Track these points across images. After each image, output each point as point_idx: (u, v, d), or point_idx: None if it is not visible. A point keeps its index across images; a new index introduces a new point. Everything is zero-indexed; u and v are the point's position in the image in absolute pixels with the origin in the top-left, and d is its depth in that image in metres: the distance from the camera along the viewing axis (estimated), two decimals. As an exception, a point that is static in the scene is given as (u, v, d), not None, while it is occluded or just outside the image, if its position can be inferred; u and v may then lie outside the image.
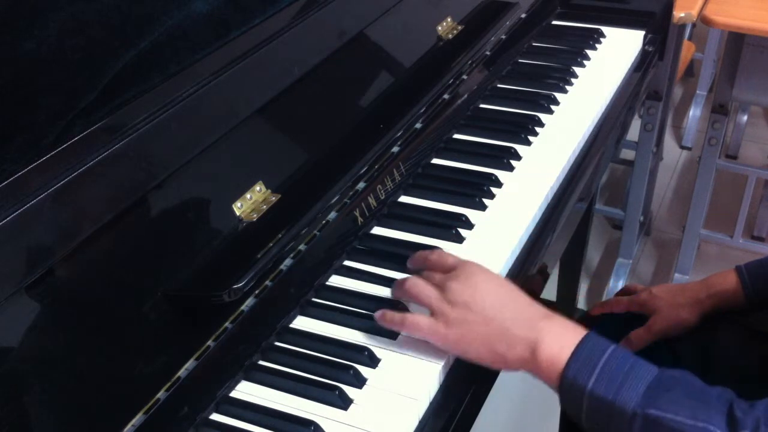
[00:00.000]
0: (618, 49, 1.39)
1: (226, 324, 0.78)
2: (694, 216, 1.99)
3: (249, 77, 0.88)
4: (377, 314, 0.81)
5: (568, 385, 0.72)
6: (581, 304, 2.08)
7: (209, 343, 0.76)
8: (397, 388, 0.77)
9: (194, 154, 0.80)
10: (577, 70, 1.31)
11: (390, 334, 0.83)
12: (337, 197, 0.90)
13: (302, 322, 0.86)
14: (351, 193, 0.94)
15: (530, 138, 1.14)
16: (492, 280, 0.80)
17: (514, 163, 1.09)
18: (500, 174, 1.06)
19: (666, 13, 1.49)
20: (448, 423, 0.78)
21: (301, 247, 0.86)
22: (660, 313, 1.05)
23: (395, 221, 0.99)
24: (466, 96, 1.19)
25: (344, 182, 0.91)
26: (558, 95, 1.24)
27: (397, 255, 0.94)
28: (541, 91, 1.24)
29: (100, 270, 0.71)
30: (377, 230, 0.99)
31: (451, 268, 0.81)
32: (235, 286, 0.75)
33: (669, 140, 2.71)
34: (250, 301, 0.80)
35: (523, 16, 1.38)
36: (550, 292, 2.00)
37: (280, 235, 0.81)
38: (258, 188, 0.86)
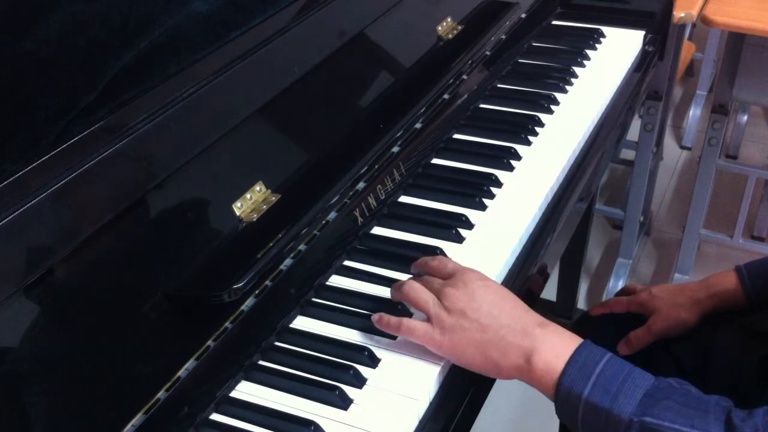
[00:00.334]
0: (618, 49, 1.39)
1: (226, 324, 0.78)
2: (694, 216, 1.99)
3: (249, 77, 0.88)
4: (374, 317, 0.82)
5: (564, 393, 0.72)
6: (581, 304, 2.08)
7: (209, 343, 0.76)
8: (397, 388, 0.77)
9: (194, 154, 0.80)
10: (577, 70, 1.31)
11: (390, 335, 0.83)
12: (337, 197, 0.90)
13: (302, 322, 0.86)
14: (351, 193, 0.94)
15: (530, 138, 1.14)
16: (489, 288, 0.80)
17: (514, 163, 1.09)
18: (500, 174, 1.06)
19: (666, 13, 1.49)
20: (448, 423, 0.78)
21: (301, 247, 0.86)
22: (660, 313, 1.05)
23: (395, 221, 0.99)
24: (466, 96, 1.19)
25: (344, 182, 0.91)
26: (558, 95, 1.24)
27: (397, 255, 0.94)
28: (541, 91, 1.24)
29: (100, 270, 0.71)
30: (377, 230, 0.99)
31: (451, 275, 0.82)
32: (235, 286, 0.75)
33: (669, 140, 2.71)
34: (250, 301, 0.80)
35: (523, 16, 1.38)
36: (550, 292, 2.00)
37: (280, 235, 0.81)
38: (258, 188, 0.86)
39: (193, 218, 0.80)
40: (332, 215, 0.91)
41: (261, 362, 0.81)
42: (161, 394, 0.71)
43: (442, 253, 0.93)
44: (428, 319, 0.79)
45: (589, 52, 1.36)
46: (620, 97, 1.30)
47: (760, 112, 2.89)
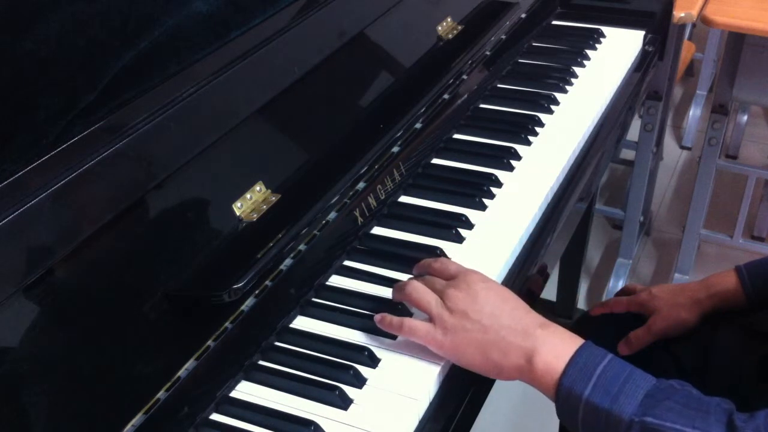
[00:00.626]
0: (618, 49, 1.39)
1: (226, 324, 0.78)
2: (694, 216, 1.99)
3: (249, 77, 0.88)
4: (376, 317, 0.82)
5: (565, 394, 0.72)
6: (581, 304, 2.08)
7: (209, 343, 0.76)
8: (397, 388, 0.77)
9: (194, 154, 0.80)
10: (577, 70, 1.31)
11: (390, 335, 0.83)
12: (337, 197, 0.90)
13: (302, 322, 0.86)
14: (351, 193, 0.94)
15: (530, 138, 1.14)
16: (492, 290, 0.80)
17: (514, 163, 1.09)
18: (500, 174, 1.06)
19: (666, 13, 1.49)
20: (448, 423, 0.78)
21: (301, 247, 0.86)
22: (660, 313, 1.05)
23: (395, 221, 0.99)
24: (466, 96, 1.19)
25: (344, 182, 0.91)
26: (558, 95, 1.24)
27: (397, 255, 0.94)
28: (541, 91, 1.24)
29: (100, 270, 0.71)
30: (377, 230, 0.99)
31: (453, 276, 0.82)
32: (235, 286, 0.75)
33: (669, 140, 2.71)
34: (250, 301, 0.80)
35: (523, 16, 1.38)
36: (550, 292, 2.00)
37: (280, 235, 0.81)
38: (258, 188, 0.86)
39: (193, 218, 0.80)
40: (332, 215, 0.91)
41: (261, 362, 0.81)
42: (161, 394, 0.71)
43: (442, 253, 0.93)
44: (430, 320, 0.79)
45: (589, 52, 1.36)
46: (620, 97, 1.30)
47: (760, 112, 2.89)
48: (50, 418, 0.64)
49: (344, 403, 0.76)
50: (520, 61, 1.35)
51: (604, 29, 1.43)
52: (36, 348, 0.65)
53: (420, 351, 0.80)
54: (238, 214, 0.83)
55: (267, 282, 0.82)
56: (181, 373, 0.73)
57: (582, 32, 1.43)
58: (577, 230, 1.64)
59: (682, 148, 2.73)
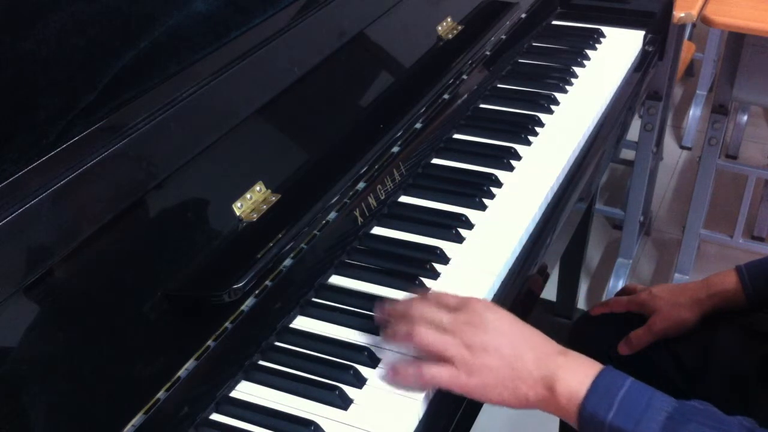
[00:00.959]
0: (618, 49, 1.39)
1: (226, 324, 0.78)
2: (694, 216, 1.99)
3: (249, 77, 0.88)
4: (389, 371, 0.77)
5: (588, 419, 0.71)
6: (581, 304, 2.08)
7: (209, 343, 0.76)
8: (397, 388, 0.77)
9: (194, 154, 0.80)
10: (577, 70, 1.31)
11: (390, 334, 0.83)
12: (337, 197, 0.90)
13: (302, 322, 0.86)
14: (351, 193, 0.94)
15: (530, 138, 1.14)
16: (503, 318, 0.77)
17: (514, 163, 1.09)
18: (500, 174, 1.06)
19: (666, 13, 1.49)
20: (448, 423, 0.78)
21: (301, 246, 0.86)
22: (660, 313, 1.05)
23: (395, 221, 0.99)
24: (466, 96, 1.19)
25: (344, 182, 0.91)
26: (558, 95, 1.24)
27: (397, 255, 0.94)
28: (541, 91, 1.24)
29: (100, 270, 0.71)
30: (377, 230, 0.99)
31: (455, 308, 0.78)
32: (235, 286, 0.75)
33: (669, 140, 2.71)
34: (250, 301, 0.80)
35: (523, 16, 1.38)
36: (550, 292, 2.00)
37: (280, 235, 0.81)
38: (258, 188, 0.86)
39: (193, 218, 0.80)
40: (332, 215, 0.91)
41: (261, 362, 0.81)
42: (161, 394, 0.71)
43: (442, 253, 0.93)
44: (445, 360, 0.75)
45: (589, 52, 1.36)
46: (620, 97, 1.30)
47: (760, 112, 2.89)
48: (50, 418, 0.64)
49: (344, 403, 0.76)
50: (520, 61, 1.35)
51: (604, 29, 1.43)
52: (36, 348, 0.65)
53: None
54: (238, 214, 0.83)
55: (267, 282, 0.82)
56: (181, 373, 0.73)
57: (582, 32, 1.43)
58: (577, 230, 1.65)
59: (682, 148, 2.73)
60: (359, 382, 0.78)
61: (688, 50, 2.38)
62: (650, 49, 1.43)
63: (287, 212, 0.85)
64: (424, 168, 1.09)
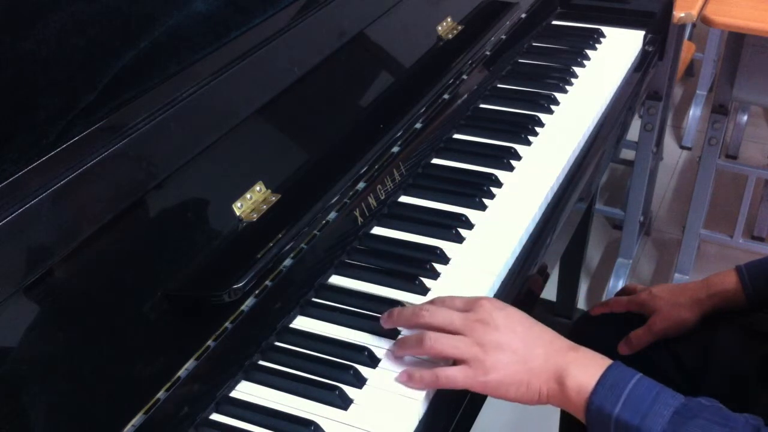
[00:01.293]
0: (618, 49, 1.39)
1: (226, 324, 0.78)
2: (694, 216, 1.99)
3: (249, 77, 0.88)
4: (402, 378, 0.77)
5: (595, 413, 0.72)
6: (581, 304, 2.08)
7: (209, 343, 0.76)
8: (397, 388, 0.77)
9: (194, 154, 0.80)
10: (577, 70, 1.31)
11: (390, 334, 0.83)
12: (337, 197, 0.90)
13: (302, 322, 0.86)
14: (351, 193, 0.94)
15: (530, 138, 1.14)
16: (513, 316, 0.78)
17: (514, 163, 1.09)
18: (500, 174, 1.06)
19: (666, 13, 1.49)
20: (448, 423, 0.78)
21: (301, 246, 0.86)
22: (660, 313, 1.05)
23: (395, 221, 0.99)
24: (466, 96, 1.19)
25: (344, 182, 0.91)
26: (558, 95, 1.24)
27: (397, 255, 0.94)
28: (541, 91, 1.24)
29: (100, 270, 0.71)
30: (377, 230, 0.99)
31: (464, 309, 0.79)
32: (235, 286, 0.75)
33: (669, 140, 2.71)
34: (250, 301, 0.80)
35: (523, 16, 1.38)
36: (550, 292, 2.00)
37: (280, 235, 0.81)
38: (258, 188, 0.86)
39: (193, 218, 0.80)
40: (332, 215, 0.91)
41: (261, 362, 0.81)
42: (161, 394, 0.71)
43: (442, 253, 0.93)
44: (461, 362, 0.76)
45: (589, 52, 1.36)
46: (620, 97, 1.30)
47: (760, 112, 2.89)
48: (50, 418, 0.64)
49: (344, 403, 0.76)
50: (520, 61, 1.35)
51: (604, 29, 1.43)
52: (36, 348, 0.65)
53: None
54: (238, 214, 0.83)
55: (267, 282, 0.82)
56: (181, 373, 0.73)
57: (582, 32, 1.43)
58: (577, 230, 1.64)
59: (682, 148, 2.73)
60: (359, 382, 0.78)
61: (688, 50, 2.38)
62: (650, 49, 1.43)
63: (287, 212, 0.85)
64: (424, 168, 1.09)
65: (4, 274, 0.63)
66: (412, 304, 0.84)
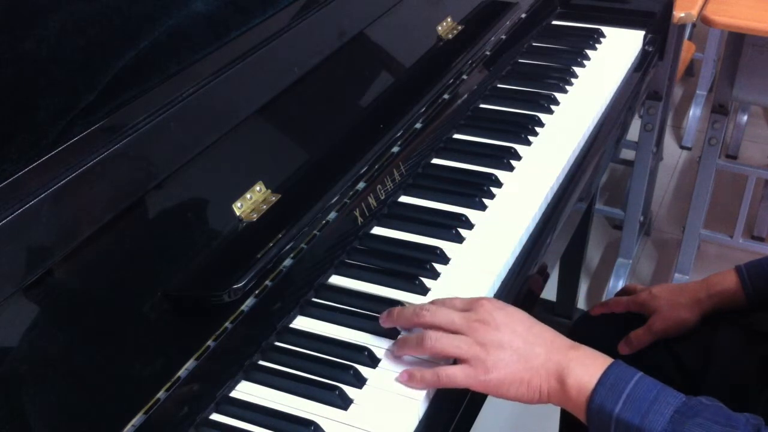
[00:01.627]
0: (618, 49, 1.39)
1: (226, 324, 0.78)
2: (694, 216, 1.99)
3: (249, 77, 0.88)
4: (402, 378, 0.77)
5: (595, 412, 0.72)
6: (581, 304, 2.08)
7: (209, 343, 0.76)
8: (397, 388, 0.77)
9: (194, 154, 0.80)
10: (577, 70, 1.31)
11: (390, 334, 0.83)
12: (337, 197, 0.90)
13: (302, 322, 0.86)
14: (351, 193, 0.94)
15: (530, 138, 1.14)
16: (514, 315, 0.78)
17: (514, 163, 1.09)
18: (500, 174, 1.06)
19: (666, 13, 1.49)
20: (448, 423, 0.78)
21: (301, 246, 0.86)
22: (660, 313, 1.05)
23: (395, 221, 0.99)
24: (466, 96, 1.19)
25: (344, 182, 0.91)
26: (558, 95, 1.24)
27: (397, 255, 0.94)
28: (541, 91, 1.24)
29: (100, 270, 0.71)
30: (377, 230, 0.99)
31: (464, 309, 0.79)
32: (235, 286, 0.75)
33: (669, 140, 2.71)
34: (250, 301, 0.80)
35: (523, 16, 1.38)
36: (550, 292, 2.00)
37: (280, 235, 0.81)
38: (258, 188, 0.86)
39: (193, 218, 0.80)
40: (332, 215, 0.91)
41: (261, 362, 0.81)
42: (161, 394, 0.71)
43: (442, 253, 0.92)
44: (461, 361, 0.76)
45: (589, 52, 1.36)
46: (620, 97, 1.30)
47: (760, 112, 2.89)
48: (50, 418, 0.64)
49: (344, 403, 0.76)
50: (520, 61, 1.35)
51: (604, 29, 1.43)
52: (36, 348, 0.65)
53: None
54: (238, 214, 0.83)
55: (267, 282, 0.82)
56: (181, 373, 0.73)
57: (582, 32, 1.43)
58: (577, 230, 1.64)
59: (682, 148, 2.73)
60: (359, 382, 0.78)
61: (688, 50, 2.38)
62: (650, 49, 1.43)
63: (287, 212, 0.85)
64: (424, 168, 1.09)
65: (4, 274, 0.63)
66: (412, 304, 0.84)
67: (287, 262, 0.84)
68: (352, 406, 0.76)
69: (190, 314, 0.76)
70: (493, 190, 1.04)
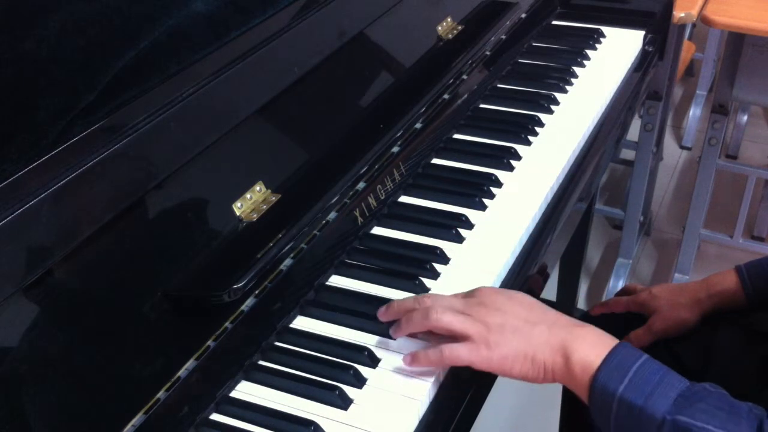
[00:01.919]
0: (618, 49, 1.39)
1: (226, 324, 0.78)
2: (694, 216, 1.99)
3: (249, 77, 0.88)
4: (407, 360, 0.78)
5: (599, 390, 0.72)
6: (581, 304, 2.08)
7: (209, 343, 0.76)
8: (397, 388, 0.77)
9: (194, 154, 0.80)
10: (577, 70, 1.31)
11: (389, 335, 0.83)
12: (337, 197, 0.90)
13: (302, 322, 0.86)
14: (351, 193, 0.94)
15: (530, 138, 1.14)
16: (515, 297, 0.79)
17: (514, 163, 1.09)
18: (500, 174, 1.06)
19: (666, 13, 1.49)
20: (448, 423, 0.78)
21: (301, 246, 0.86)
22: (660, 313, 1.05)
23: (395, 221, 0.99)
24: (466, 96, 1.19)
25: (344, 182, 0.91)
26: (558, 95, 1.24)
27: (397, 255, 0.94)
28: (541, 91, 1.24)
29: (100, 270, 0.71)
30: (377, 230, 0.99)
31: (465, 296, 0.80)
32: (235, 286, 0.75)
33: (669, 140, 2.71)
34: (250, 301, 0.80)
35: (523, 16, 1.38)
36: (550, 292, 2.00)
37: (280, 235, 0.81)
38: (258, 188, 0.86)
39: (193, 218, 0.80)
40: (332, 215, 0.91)
41: (261, 362, 0.81)
42: (161, 394, 0.71)
43: (442, 253, 0.92)
44: (465, 339, 0.77)
45: (589, 52, 1.36)
46: (620, 97, 1.30)
47: (760, 112, 2.89)
48: (50, 418, 0.64)
49: (344, 403, 0.76)
50: (520, 61, 1.35)
51: (604, 29, 1.43)
52: (36, 348, 0.65)
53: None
54: (238, 214, 0.83)
55: (267, 282, 0.82)
56: (181, 373, 0.73)
57: (582, 32, 1.43)
58: (577, 230, 1.64)
59: (682, 148, 2.73)
60: (359, 382, 0.78)
61: (688, 50, 2.38)
62: (650, 49, 1.43)
63: (287, 212, 0.85)
64: (424, 168, 1.09)
65: (4, 274, 0.63)
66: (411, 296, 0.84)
67: (287, 262, 0.84)
68: (352, 406, 0.76)
69: (190, 314, 0.76)
70: (493, 190, 1.04)
